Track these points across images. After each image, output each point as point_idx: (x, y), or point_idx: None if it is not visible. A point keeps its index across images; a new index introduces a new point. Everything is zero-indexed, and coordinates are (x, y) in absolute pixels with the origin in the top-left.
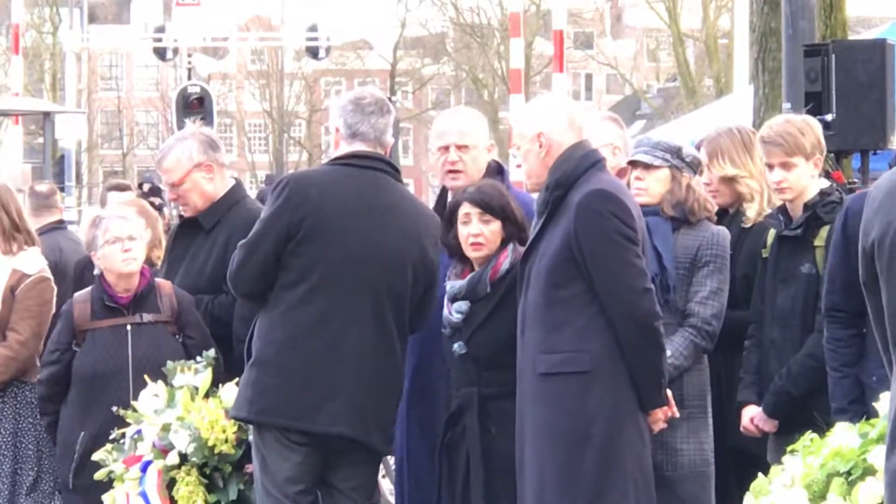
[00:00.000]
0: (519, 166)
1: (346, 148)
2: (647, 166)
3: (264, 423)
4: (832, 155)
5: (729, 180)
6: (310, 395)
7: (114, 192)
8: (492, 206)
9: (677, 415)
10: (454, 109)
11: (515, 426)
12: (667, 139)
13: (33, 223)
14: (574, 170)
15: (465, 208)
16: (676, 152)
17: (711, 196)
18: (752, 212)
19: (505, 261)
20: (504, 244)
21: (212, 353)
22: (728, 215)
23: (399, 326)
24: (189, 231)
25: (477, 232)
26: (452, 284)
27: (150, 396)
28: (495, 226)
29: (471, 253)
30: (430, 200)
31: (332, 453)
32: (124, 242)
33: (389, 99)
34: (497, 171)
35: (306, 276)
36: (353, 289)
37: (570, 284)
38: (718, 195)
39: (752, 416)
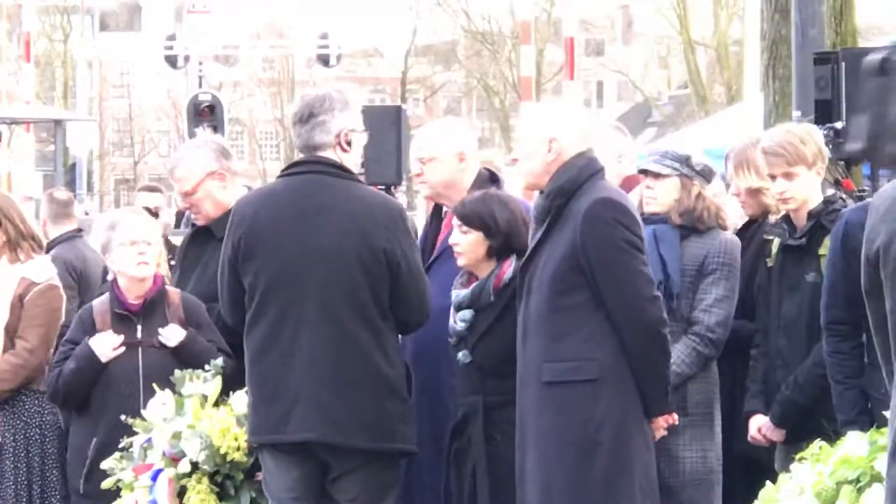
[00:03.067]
0: (515, 161)
1: (298, 157)
2: (657, 175)
3: (256, 443)
4: (842, 163)
5: (755, 192)
6: (276, 407)
7: (143, 192)
8: (468, 217)
9: (677, 421)
10: (428, 123)
11: (516, 434)
12: (676, 148)
13: (52, 231)
14: (576, 178)
15: (454, 219)
16: (685, 161)
17: (741, 203)
18: None
19: (508, 270)
20: (499, 255)
21: (220, 361)
22: (755, 225)
23: (365, 322)
24: (201, 239)
25: (455, 241)
26: (457, 293)
27: (159, 405)
28: (472, 236)
29: (457, 260)
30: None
31: (328, 465)
32: (139, 245)
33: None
34: (489, 179)
35: (254, 293)
36: (296, 295)
37: (574, 293)
38: (746, 206)
39: (760, 426)
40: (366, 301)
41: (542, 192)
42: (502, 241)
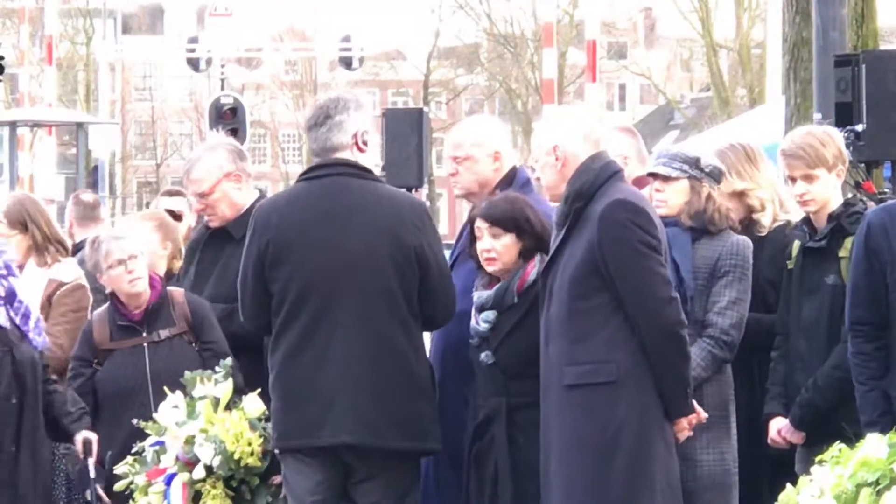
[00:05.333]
0: (538, 179)
1: (313, 161)
2: (666, 178)
3: (283, 449)
4: (863, 165)
5: (739, 195)
6: (309, 412)
7: (165, 197)
8: (500, 220)
9: (704, 417)
10: (463, 120)
11: (540, 437)
12: (685, 149)
13: (79, 233)
14: (594, 181)
15: (477, 223)
16: (695, 163)
17: None
18: (766, 219)
19: (532, 271)
20: (528, 255)
21: (229, 361)
22: (741, 227)
23: (399, 322)
24: (218, 241)
25: (488, 247)
26: (479, 295)
27: (170, 408)
28: (507, 239)
29: (486, 267)
30: (463, 210)
31: (351, 468)
32: (126, 264)
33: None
34: (512, 178)
35: (285, 297)
36: (330, 298)
37: (594, 295)
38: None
39: (780, 429)
40: (399, 301)
41: (563, 196)
42: (535, 241)
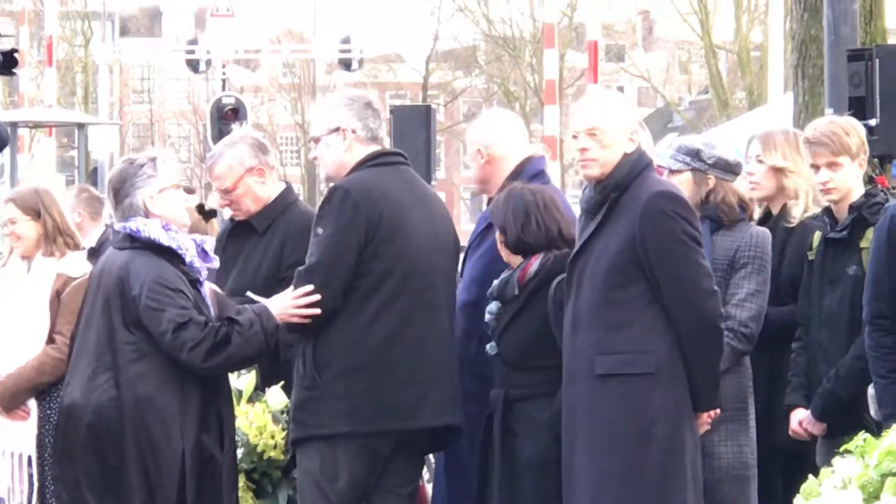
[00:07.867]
0: (584, 150)
1: (363, 150)
2: (670, 170)
3: (371, 433)
4: (876, 159)
5: (777, 172)
6: (410, 393)
7: None
8: (492, 215)
9: (718, 412)
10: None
11: (562, 426)
12: (687, 141)
13: (90, 227)
14: (630, 171)
15: None
16: (696, 154)
17: (751, 187)
18: (797, 210)
19: (535, 262)
20: (517, 251)
21: None
22: (773, 216)
23: (453, 309)
24: (241, 234)
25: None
26: (493, 284)
27: None
28: (496, 233)
29: None
30: (461, 213)
31: (395, 454)
32: None
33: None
34: (517, 174)
35: (387, 276)
36: (427, 280)
37: (631, 285)
38: (759, 187)
39: (801, 420)
40: (455, 290)
41: (594, 185)
42: (514, 238)
